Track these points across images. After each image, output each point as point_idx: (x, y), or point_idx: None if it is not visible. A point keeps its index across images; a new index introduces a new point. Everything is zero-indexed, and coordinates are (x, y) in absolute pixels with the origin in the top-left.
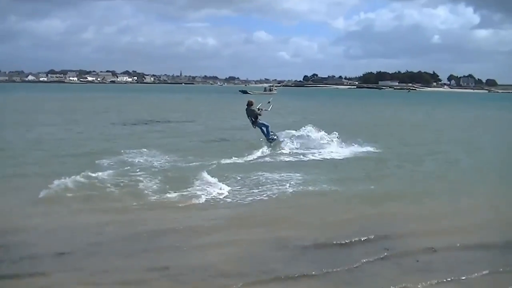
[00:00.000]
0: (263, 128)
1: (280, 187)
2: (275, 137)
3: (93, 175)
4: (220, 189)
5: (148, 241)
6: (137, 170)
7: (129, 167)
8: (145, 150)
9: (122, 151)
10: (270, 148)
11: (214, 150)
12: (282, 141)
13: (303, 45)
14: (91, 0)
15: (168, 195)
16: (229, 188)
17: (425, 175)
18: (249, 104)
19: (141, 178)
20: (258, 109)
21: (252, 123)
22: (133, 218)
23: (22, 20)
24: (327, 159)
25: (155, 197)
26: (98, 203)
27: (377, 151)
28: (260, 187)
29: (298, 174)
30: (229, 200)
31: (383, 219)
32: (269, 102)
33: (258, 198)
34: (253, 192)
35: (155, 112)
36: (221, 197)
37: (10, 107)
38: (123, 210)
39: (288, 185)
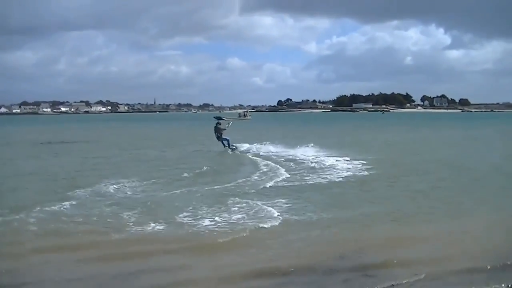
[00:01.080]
0: (224, 141)
1: (265, 213)
2: (235, 147)
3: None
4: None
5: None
6: (115, 200)
7: (105, 198)
8: (124, 180)
9: (101, 181)
10: (233, 151)
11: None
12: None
13: (276, 70)
14: (63, 31)
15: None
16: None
17: (414, 195)
18: (218, 124)
19: (119, 209)
20: (223, 128)
21: (217, 138)
22: (114, 253)
23: None
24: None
25: (136, 229)
26: (71, 238)
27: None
28: (242, 213)
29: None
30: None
31: (370, 244)
32: (228, 124)
33: (242, 225)
34: (237, 219)
35: (132, 140)
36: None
37: None
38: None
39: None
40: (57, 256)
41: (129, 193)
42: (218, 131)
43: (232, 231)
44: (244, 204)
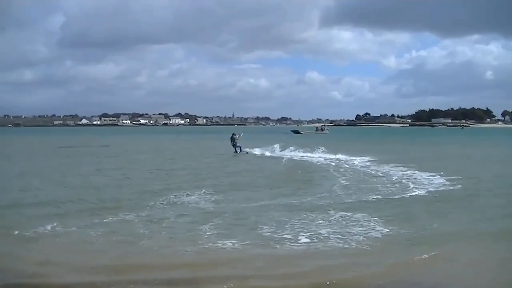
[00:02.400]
0: (237, 148)
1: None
2: (246, 151)
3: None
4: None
5: None
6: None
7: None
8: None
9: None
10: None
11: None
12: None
13: (355, 84)
14: (144, 44)
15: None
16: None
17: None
18: (233, 135)
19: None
20: (237, 138)
21: (233, 146)
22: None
23: (77, 65)
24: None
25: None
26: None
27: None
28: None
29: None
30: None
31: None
32: (240, 135)
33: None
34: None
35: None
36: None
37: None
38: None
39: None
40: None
41: (207, 204)
42: (233, 141)
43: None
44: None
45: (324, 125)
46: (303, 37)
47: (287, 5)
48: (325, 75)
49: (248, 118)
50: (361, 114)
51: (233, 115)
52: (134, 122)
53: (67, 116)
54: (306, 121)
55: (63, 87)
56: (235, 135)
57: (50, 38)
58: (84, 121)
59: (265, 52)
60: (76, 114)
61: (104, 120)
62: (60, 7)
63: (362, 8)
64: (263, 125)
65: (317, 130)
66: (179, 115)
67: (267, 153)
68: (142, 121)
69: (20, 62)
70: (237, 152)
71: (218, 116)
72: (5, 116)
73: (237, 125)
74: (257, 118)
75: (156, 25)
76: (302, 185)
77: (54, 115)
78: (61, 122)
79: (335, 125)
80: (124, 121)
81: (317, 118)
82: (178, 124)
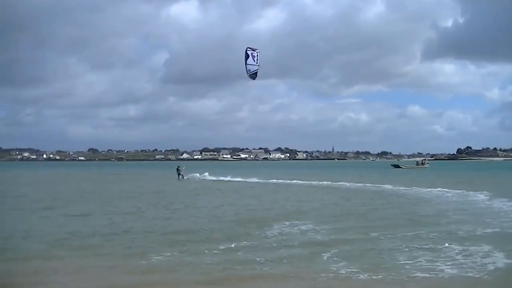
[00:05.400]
0: (180, 176)
1: None
2: (188, 178)
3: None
4: None
5: None
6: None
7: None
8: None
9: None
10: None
11: None
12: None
13: (457, 118)
14: (246, 80)
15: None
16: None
17: None
18: (178, 167)
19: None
20: (181, 170)
21: (178, 174)
22: None
23: (180, 101)
24: None
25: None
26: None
27: None
28: None
29: None
30: None
31: None
32: (183, 168)
33: None
34: None
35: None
36: None
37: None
38: None
39: None
40: None
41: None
42: (178, 171)
43: None
44: None
45: (425, 159)
46: (404, 71)
47: (389, 39)
48: (426, 108)
49: (348, 152)
50: (462, 148)
51: (333, 150)
52: (235, 157)
53: (168, 150)
54: (406, 155)
55: (165, 122)
56: (179, 166)
57: (154, 75)
58: (185, 155)
59: (365, 87)
60: (177, 149)
61: (205, 154)
62: (165, 45)
63: (465, 40)
64: (363, 159)
65: (417, 164)
66: (279, 150)
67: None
68: (243, 156)
69: (125, 99)
70: (180, 178)
71: (318, 151)
72: (108, 150)
73: (337, 159)
74: (357, 153)
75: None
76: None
77: (156, 149)
78: (163, 156)
79: (435, 159)
80: (224, 156)
81: (418, 152)
82: (278, 159)
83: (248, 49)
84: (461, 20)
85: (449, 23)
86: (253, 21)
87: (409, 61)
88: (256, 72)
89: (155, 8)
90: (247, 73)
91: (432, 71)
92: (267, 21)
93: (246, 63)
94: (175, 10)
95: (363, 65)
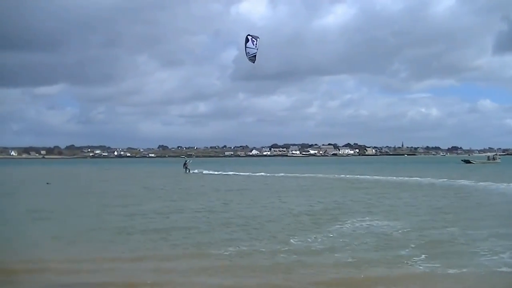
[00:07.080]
0: (187, 170)
1: None
2: (194, 172)
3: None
4: None
5: None
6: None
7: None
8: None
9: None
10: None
11: None
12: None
13: None
14: (316, 75)
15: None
16: None
17: None
18: (185, 162)
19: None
20: (188, 163)
21: (185, 169)
22: None
23: (249, 97)
24: None
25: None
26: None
27: None
28: None
29: None
30: None
31: None
32: (190, 161)
33: None
34: None
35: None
36: None
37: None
38: None
39: None
40: None
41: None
42: (185, 165)
43: None
44: None
45: (496, 154)
46: (475, 65)
47: (459, 32)
48: (498, 102)
49: (418, 148)
50: None
51: (402, 145)
52: (304, 153)
53: (237, 147)
54: (477, 150)
55: (234, 119)
56: (186, 160)
57: (223, 72)
58: (254, 152)
59: (436, 81)
60: (246, 145)
61: (274, 150)
62: (234, 42)
63: None
64: (433, 154)
65: (488, 159)
66: (348, 146)
67: None
68: (312, 151)
69: (195, 95)
70: (187, 172)
71: (387, 146)
72: (178, 147)
73: (407, 154)
74: (427, 148)
75: (328, 57)
76: None
77: (225, 146)
78: (232, 153)
79: (507, 154)
80: (293, 152)
81: (489, 147)
82: (348, 154)
83: (248, 35)
84: None
85: None
86: (322, 17)
87: (480, 55)
88: (255, 56)
89: (224, 6)
90: (246, 56)
91: (503, 64)
92: (336, 17)
93: (246, 46)
94: (244, 7)
95: (433, 59)
